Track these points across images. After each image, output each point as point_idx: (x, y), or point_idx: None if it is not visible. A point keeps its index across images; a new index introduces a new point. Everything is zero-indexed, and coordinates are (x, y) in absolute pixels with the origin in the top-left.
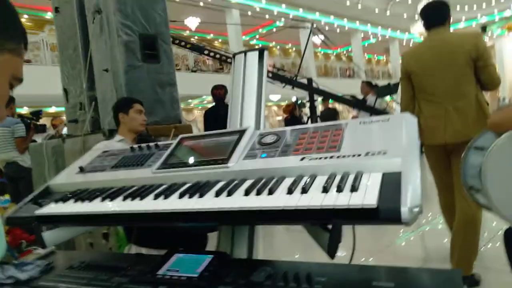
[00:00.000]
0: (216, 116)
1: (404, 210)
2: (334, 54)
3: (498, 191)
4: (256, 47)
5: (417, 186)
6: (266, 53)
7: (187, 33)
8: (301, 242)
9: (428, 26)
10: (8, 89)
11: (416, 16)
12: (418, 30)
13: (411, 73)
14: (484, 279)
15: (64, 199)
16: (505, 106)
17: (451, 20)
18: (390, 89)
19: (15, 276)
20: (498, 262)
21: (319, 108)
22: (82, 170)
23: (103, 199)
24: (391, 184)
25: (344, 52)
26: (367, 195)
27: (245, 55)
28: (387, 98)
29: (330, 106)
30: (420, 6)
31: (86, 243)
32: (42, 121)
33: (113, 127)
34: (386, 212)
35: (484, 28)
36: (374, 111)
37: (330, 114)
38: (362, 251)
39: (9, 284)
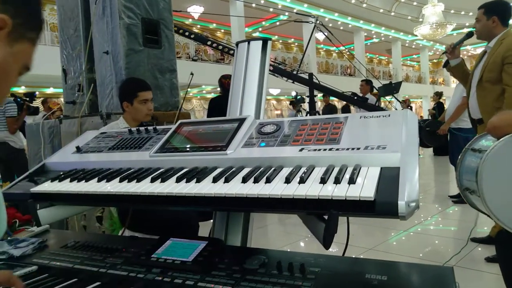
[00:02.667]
0: (221, 106)
1: (402, 204)
2: (336, 51)
3: (493, 194)
4: None
5: (415, 181)
6: (269, 43)
7: (189, 21)
8: (295, 234)
9: (508, 24)
10: (17, 77)
11: (421, 18)
12: (421, 32)
13: None
14: None
15: (60, 178)
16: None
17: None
18: (391, 88)
19: (9, 252)
20: None
21: (318, 104)
22: (79, 150)
23: (100, 180)
24: (389, 178)
25: (346, 50)
26: (365, 188)
27: (249, 43)
28: (388, 97)
29: (330, 102)
30: (425, 9)
31: (80, 225)
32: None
33: (111, 110)
34: (383, 205)
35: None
36: (374, 109)
37: (331, 111)
38: (354, 248)
39: (1, 259)
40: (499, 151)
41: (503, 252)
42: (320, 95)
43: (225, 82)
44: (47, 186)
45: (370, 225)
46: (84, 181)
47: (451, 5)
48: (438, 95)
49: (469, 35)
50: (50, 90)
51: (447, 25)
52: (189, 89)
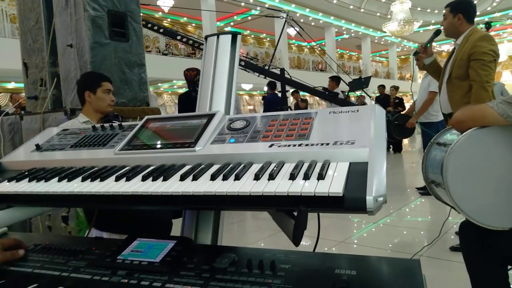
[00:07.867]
0: (188, 101)
1: (369, 199)
2: (308, 46)
3: (457, 186)
4: None
5: (382, 176)
6: (239, 37)
7: (159, 14)
8: (268, 229)
9: (473, 20)
10: None
11: (389, 15)
12: (390, 29)
13: (497, 59)
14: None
15: (18, 178)
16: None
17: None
18: (361, 83)
19: None
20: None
21: (290, 99)
22: (38, 148)
23: (60, 179)
24: (358, 174)
25: (318, 45)
26: (334, 184)
27: (218, 37)
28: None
29: (302, 97)
30: (393, 6)
31: (44, 226)
32: None
33: (75, 106)
34: (351, 200)
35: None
36: (345, 104)
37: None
38: (326, 241)
39: None
40: (463, 144)
41: (466, 242)
42: (291, 90)
43: (188, 74)
44: (3, 187)
45: (341, 218)
46: (43, 180)
47: (417, 2)
48: (395, 88)
49: (437, 33)
50: (11, 85)
51: (414, 22)
52: (160, 84)
